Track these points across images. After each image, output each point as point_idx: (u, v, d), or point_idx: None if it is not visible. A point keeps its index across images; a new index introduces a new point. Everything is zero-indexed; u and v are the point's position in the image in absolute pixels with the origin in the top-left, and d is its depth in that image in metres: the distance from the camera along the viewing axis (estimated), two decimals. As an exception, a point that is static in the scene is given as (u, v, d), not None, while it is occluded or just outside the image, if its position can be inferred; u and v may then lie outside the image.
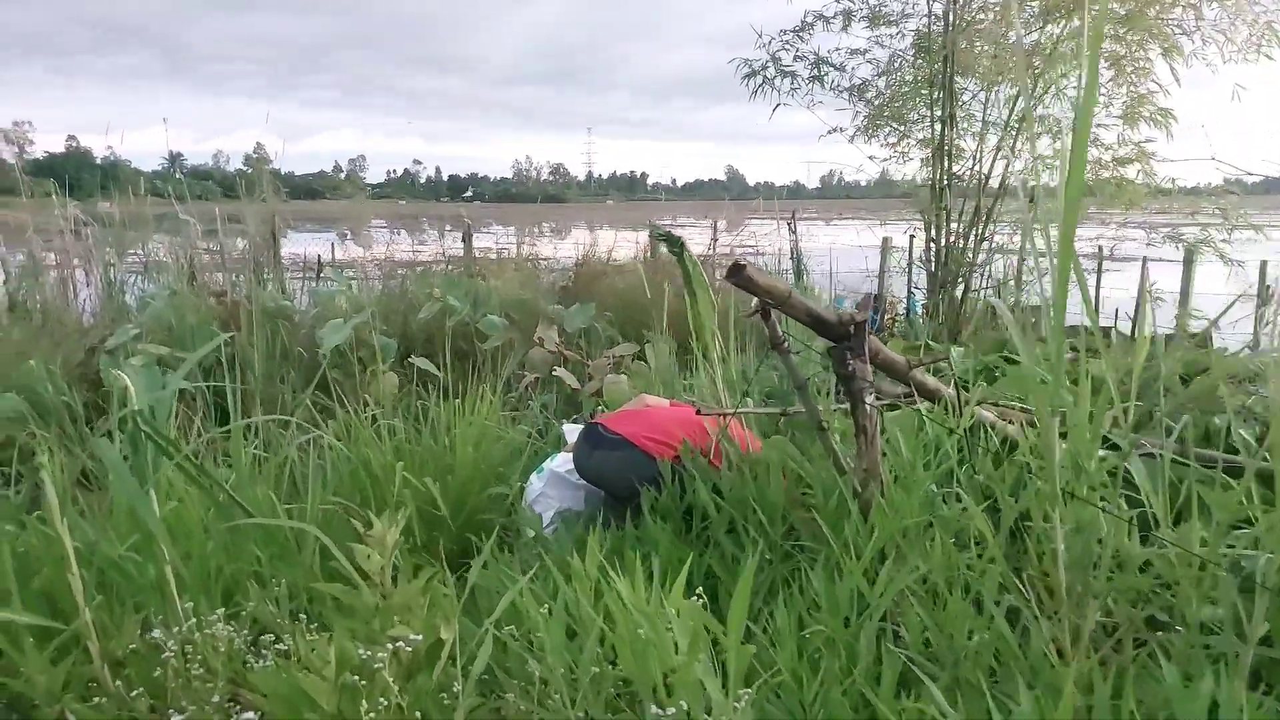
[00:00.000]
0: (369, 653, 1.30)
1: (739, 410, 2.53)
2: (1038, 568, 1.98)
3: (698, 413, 2.53)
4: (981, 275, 6.57)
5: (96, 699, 1.52)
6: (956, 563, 1.99)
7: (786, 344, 2.23)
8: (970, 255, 6.40)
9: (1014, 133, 6.12)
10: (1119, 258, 7.26)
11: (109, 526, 2.02)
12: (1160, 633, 1.69)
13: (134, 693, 1.50)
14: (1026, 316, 6.61)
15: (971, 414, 2.28)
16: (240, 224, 8.55)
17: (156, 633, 1.55)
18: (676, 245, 2.52)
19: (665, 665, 1.29)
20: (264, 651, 1.59)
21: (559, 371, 5.15)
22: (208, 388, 5.23)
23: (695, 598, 1.59)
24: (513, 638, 1.79)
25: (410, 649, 1.36)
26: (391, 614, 1.41)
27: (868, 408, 2.17)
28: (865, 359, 2.18)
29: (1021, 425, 2.83)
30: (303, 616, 1.70)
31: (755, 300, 2.13)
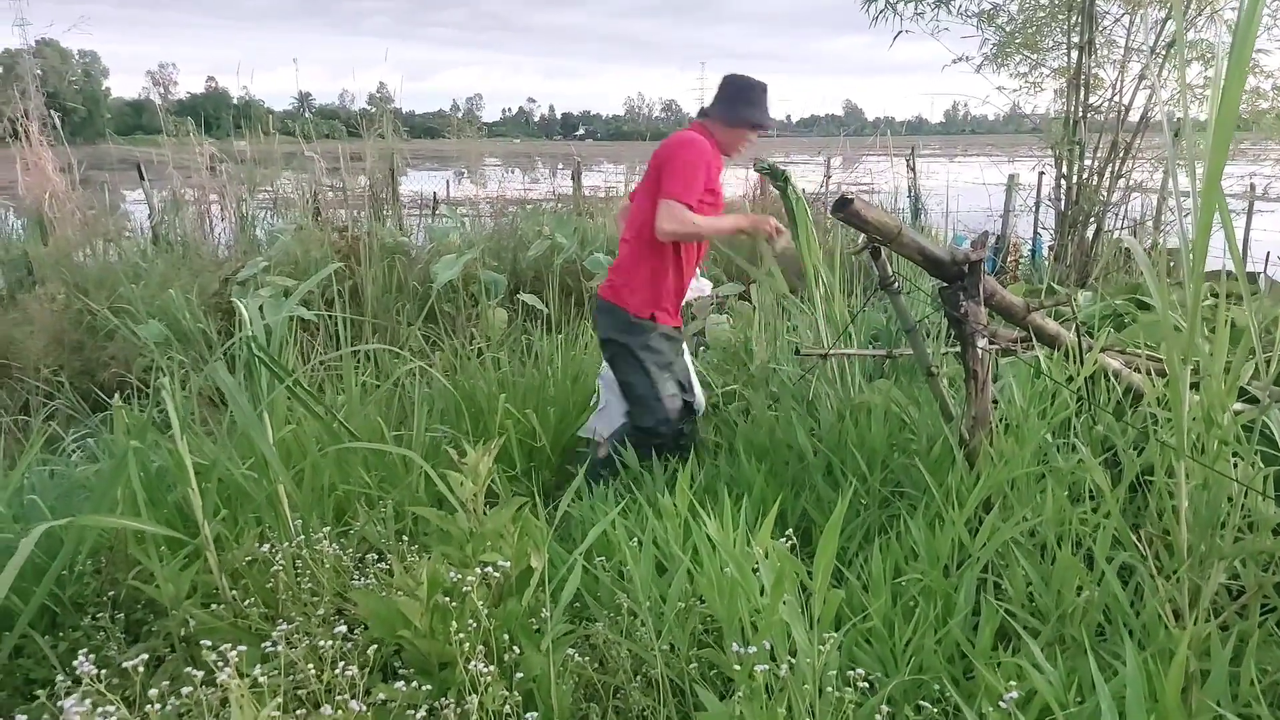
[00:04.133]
0: (459, 576, 1.34)
1: (841, 352, 2.45)
2: (1158, 525, 1.86)
3: (797, 352, 2.48)
4: (1116, 215, 6.11)
5: (214, 605, 1.64)
6: (1068, 516, 1.89)
7: (896, 284, 2.13)
8: (1104, 194, 5.96)
9: (1160, 60, 5.60)
10: (1273, 198, 6.62)
11: (232, 445, 2.15)
12: (1293, 600, 1.57)
13: (247, 602, 1.60)
14: (1164, 259, 6.15)
15: (1094, 361, 2.13)
16: (362, 162, 8.81)
17: (267, 547, 1.65)
18: (781, 179, 2.43)
19: (750, 605, 1.27)
20: (368, 571, 1.67)
21: (662, 310, 5.13)
22: (329, 317, 5.50)
23: (785, 540, 1.57)
24: (603, 568, 1.82)
25: (499, 575, 1.40)
26: (484, 540, 1.44)
27: (979, 352, 2.07)
28: (979, 301, 2.06)
29: (1149, 374, 2.64)
30: (405, 538, 1.77)
31: (862, 237, 2.04)
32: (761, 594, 1.32)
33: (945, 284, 2.11)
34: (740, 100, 2.78)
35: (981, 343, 2.05)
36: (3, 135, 8.12)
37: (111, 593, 2.04)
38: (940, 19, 6.08)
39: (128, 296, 5.47)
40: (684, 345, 2.93)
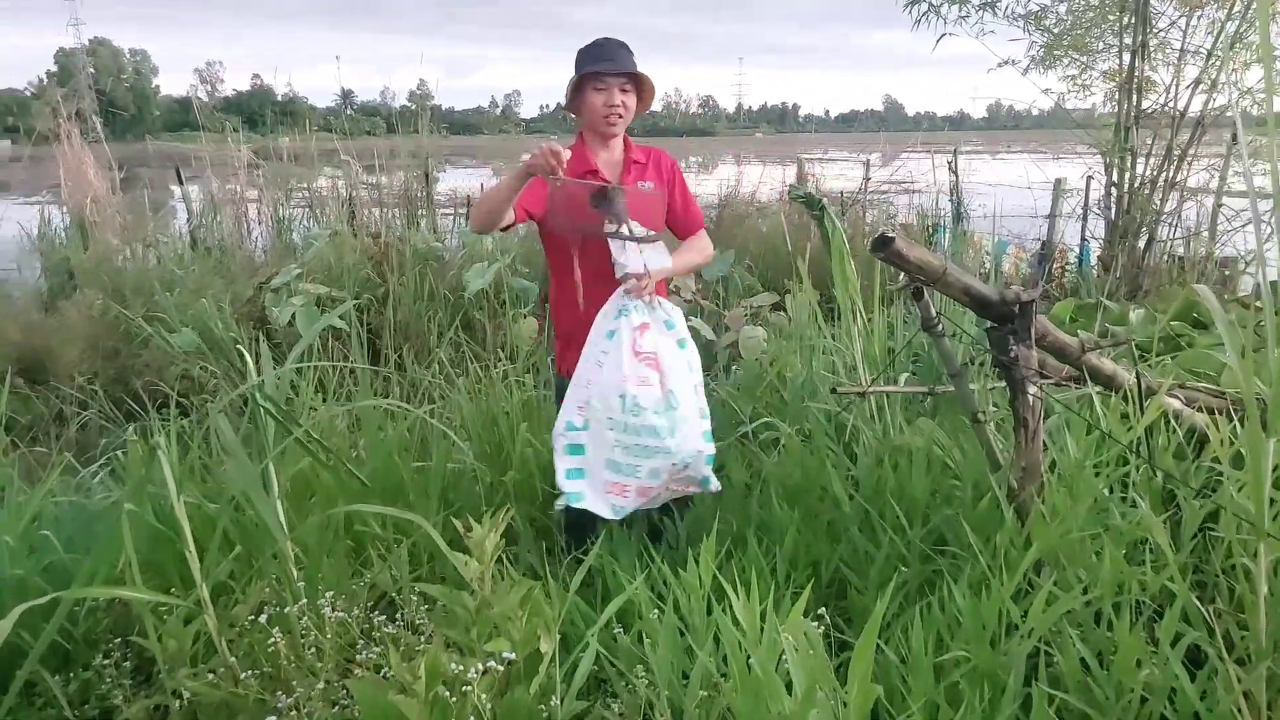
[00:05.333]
0: (461, 667, 1.25)
1: (880, 389, 2.32)
2: (1229, 604, 1.71)
3: (833, 391, 2.33)
4: (1170, 225, 5.86)
5: (212, 672, 1.57)
6: (1128, 579, 1.74)
7: (939, 325, 2.00)
8: (1158, 202, 5.71)
9: (1217, 62, 5.34)
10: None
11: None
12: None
13: (248, 671, 1.53)
14: (1219, 269, 5.88)
15: (1157, 409, 1.98)
16: (399, 159, 8.81)
17: (264, 617, 1.58)
18: (817, 207, 2.29)
19: (776, 708, 1.16)
20: (375, 633, 1.59)
21: (694, 322, 5.02)
22: (362, 324, 5.48)
23: (817, 622, 1.45)
24: (624, 626, 1.73)
25: (505, 665, 1.31)
26: (490, 624, 1.35)
27: (1030, 399, 1.92)
28: (1031, 344, 1.92)
29: (1213, 414, 2.47)
30: (412, 599, 1.69)
31: (903, 275, 1.91)
32: (789, 690, 1.21)
33: (993, 324, 1.97)
34: (576, 70, 2.41)
35: (1033, 390, 1.91)
36: (52, 134, 8.24)
37: (123, 633, 2.00)
38: (985, 21, 5.88)
39: (162, 304, 5.50)
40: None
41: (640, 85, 2.46)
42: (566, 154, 2.13)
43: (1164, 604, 1.76)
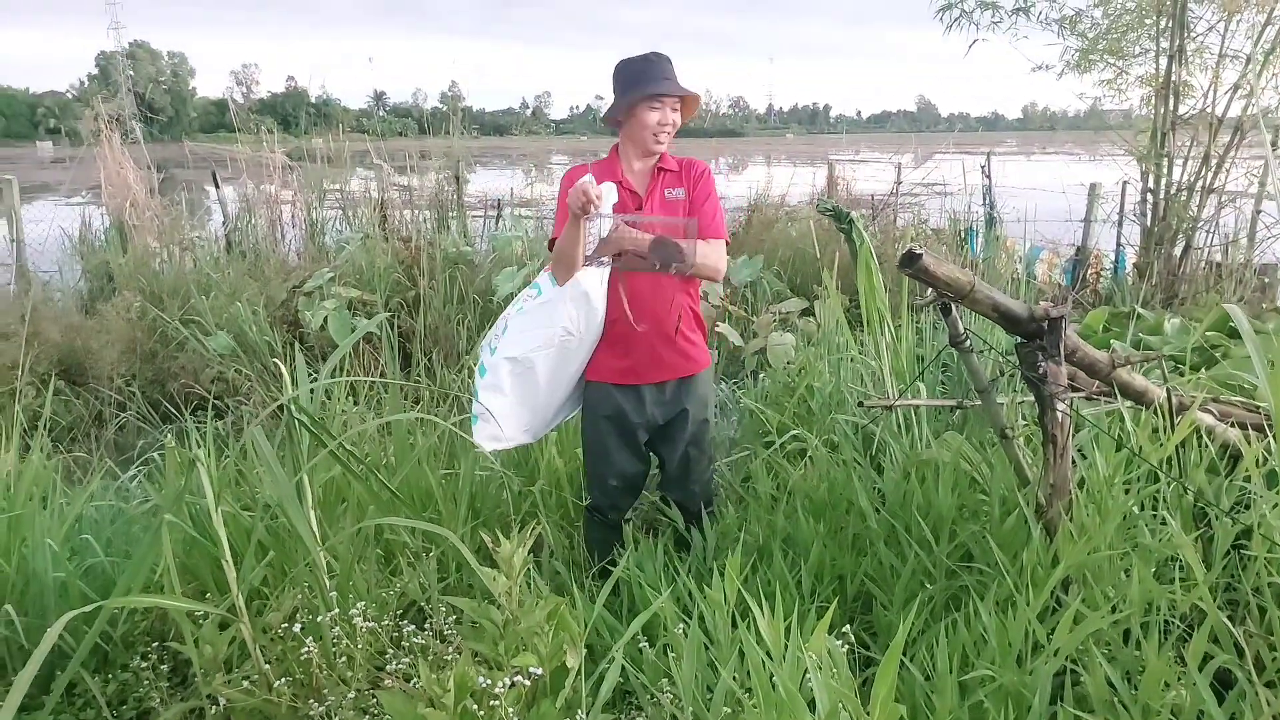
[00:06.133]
0: (489, 681, 1.27)
1: (908, 403, 2.31)
2: (1260, 626, 1.69)
3: (860, 404, 2.33)
4: (1208, 232, 5.76)
5: (246, 678, 1.61)
6: (1157, 598, 1.73)
7: (968, 341, 1.99)
8: (1195, 209, 5.62)
9: (1258, 68, 5.24)
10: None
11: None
12: None
13: (278, 681, 1.57)
14: (1258, 276, 5.76)
15: (1189, 425, 1.96)
16: (430, 160, 8.89)
17: (297, 625, 1.62)
18: (845, 221, 2.28)
19: (800, 727, 1.17)
20: (405, 642, 1.62)
21: (722, 328, 5.02)
22: (392, 327, 5.54)
23: (841, 636, 1.46)
24: (649, 636, 1.74)
25: (532, 678, 1.33)
26: (517, 638, 1.37)
27: (1060, 415, 1.91)
28: (1060, 360, 1.91)
29: (1246, 429, 2.44)
30: (441, 609, 1.72)
31: (931, 290, 1.91)
32: (813, 709, 1.22)
33: (1022, 340, 1.96)
34: (626, 85, 2.46)
35: (1061, 406, 1.90)
36: (93, 137, 8.42)
37: (160, 637, 2.05)
38: (1018, 26, 5.81)
39: (198, 308, 5.61)
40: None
41: (686, 102, 2.51)
42: (595, 191, 2.21)
43: (1193, 624, 1.74)
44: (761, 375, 4.10)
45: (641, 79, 2.44)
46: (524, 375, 2.37)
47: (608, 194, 2.38)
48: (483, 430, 2.34)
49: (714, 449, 2.69)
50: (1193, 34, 5.47)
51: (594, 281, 2.34)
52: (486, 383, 2.36)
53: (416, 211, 8.22)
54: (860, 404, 2.39)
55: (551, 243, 2.48)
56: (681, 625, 1.58)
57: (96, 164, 8.35)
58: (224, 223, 8.40)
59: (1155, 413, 2.17)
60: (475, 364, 2.56)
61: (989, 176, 8.78)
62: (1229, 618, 1.78)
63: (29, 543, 2.08)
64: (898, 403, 2.28)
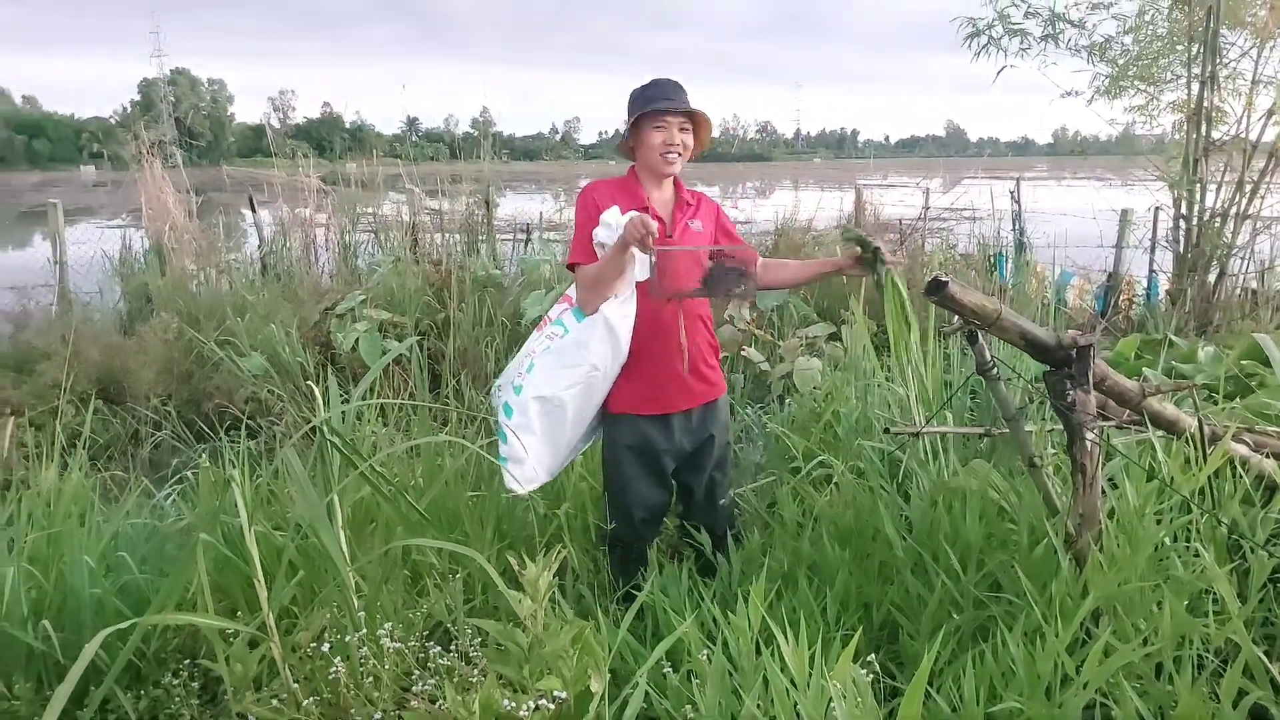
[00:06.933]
0: (513, 704, 1.28)
1: (934, 429, 2.30)
2: (1297, 662, 1.66)
3: (887, 430, 2.33)
4: (1243, 259, 5.68)
5: (275, 697, 1.64)
6: (1189, 631, 1.70)
7: (995, 369, 1.98)
8: (1229, 235, 5.55)
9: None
10: None
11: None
12: None
13: (306, 700, 1.59)
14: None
15: (1221, 456, 1.93)
16: (461, 184, 9.02)
17: (326, 645, 1.65)
18: (869, 250, 2.29)
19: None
20: (431, 663, 1.64)
21: (747, 351, 5.03)
22: (422, 349, 5.61)
23: (866, 664, 1.45)
24: (674, 663, 1.74)
25: (556, 703, 1.34)
26: (542, 661, 1.39)
27: (1089, 444, 1.90)
28: (1089, 389, 1.90)
29: (1283, 460, 2.40)
30: (467, 630, 1.74)
31: (957, 318, 1.91)
32: (837, 738, 1.22)
33: (1051, 368, 1.95)
34: (632, 109, 2.46)
35: (1091, 435, 1.89)
36: (134, 161, 8.66)
37: (191, 654, 2.09)
38: (1047, 53, 5.81)
39: (233, 329, 5.73)
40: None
41: (697, 125, 2.50)
42: (654, 225, 2.16)
43: (1228, 659, 1.71)
44: (788, 400, 4.09)
45: (644, 101, 2.45)
46: (553, 414, 2.34)
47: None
48: (518, 472, 2.30)
49: (734, 471, 2.68)
50: (1225, 60, 5.44)
51: (618, 315, 2.34)
52: (516, 423, 2.32)
53: (447, 235, 8.34)
54: (887, 430, 2.38)
55: (571, 266, 2.48)
56: (706, 651, 1.58)
57: (138, 188, 8.58)
58: (259, 245, 8.57)
59: (1187, 442, 2.14)
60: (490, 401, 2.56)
61: (1018, 202, 8.73)
62: (1265, 653, 1.75)
63: (67, 559, 2.13)
64: (924, 429, 2.27)
